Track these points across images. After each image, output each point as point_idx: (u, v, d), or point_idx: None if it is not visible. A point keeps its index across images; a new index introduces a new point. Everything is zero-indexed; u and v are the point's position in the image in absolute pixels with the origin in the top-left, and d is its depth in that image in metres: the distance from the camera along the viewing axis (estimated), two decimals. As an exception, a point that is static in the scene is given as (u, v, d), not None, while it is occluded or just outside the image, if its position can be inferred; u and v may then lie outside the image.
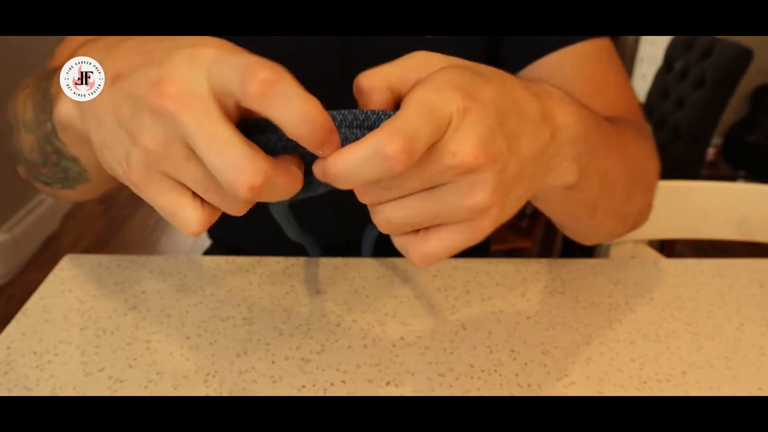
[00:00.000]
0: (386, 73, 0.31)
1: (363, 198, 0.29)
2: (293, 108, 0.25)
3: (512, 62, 0.58)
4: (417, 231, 0.31)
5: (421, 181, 0.28)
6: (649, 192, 0.54)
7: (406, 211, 0.29)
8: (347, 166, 0.26)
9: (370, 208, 0.30)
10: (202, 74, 0.26)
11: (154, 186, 0.29)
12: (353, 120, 0.28)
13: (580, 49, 0.56)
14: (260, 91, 0.25)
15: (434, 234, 0.30)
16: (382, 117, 0.28)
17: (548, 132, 0.33)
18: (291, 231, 0.48)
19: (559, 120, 0.34)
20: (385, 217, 0.30)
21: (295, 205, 0.33)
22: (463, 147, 0.27)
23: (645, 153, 0.52)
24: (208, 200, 0.29)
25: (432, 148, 0.27)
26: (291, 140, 0.26)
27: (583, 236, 0.53)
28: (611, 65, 0.58)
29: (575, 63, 0.56)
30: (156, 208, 0.29)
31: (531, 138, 0.31)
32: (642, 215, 0.55)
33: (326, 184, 0.32)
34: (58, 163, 0.44)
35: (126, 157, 0.29)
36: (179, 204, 0.28)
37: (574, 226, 0.51)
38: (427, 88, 0.27)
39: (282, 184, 0.27)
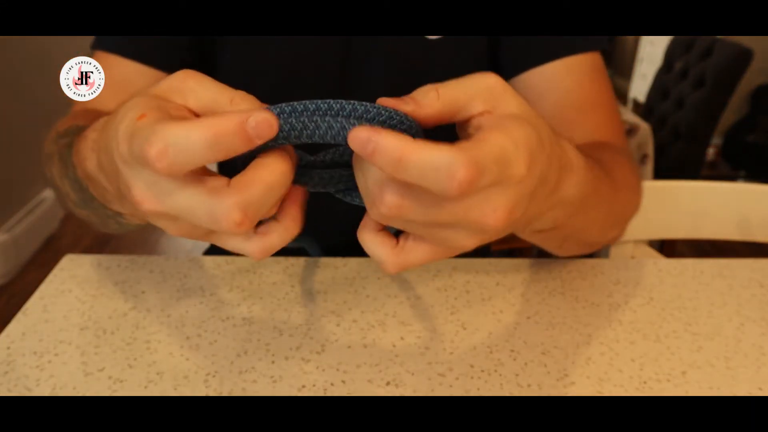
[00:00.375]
0: (450, 95, 0.29)
1: (386, 205, 0.27)
2: (194, 145, 0.25)
3: (510, 67, 0.59)
4: (396, 239, 0.31)
5: (452, 214, 0.27)
6: (624, 225, 0.54)
7: (427, 249, 0.30)
8: (416, 162, 0.25)
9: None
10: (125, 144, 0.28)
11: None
12: (364, 112, 0.28)
13: (577, 63, 0.56)
14: (157, 165, 0.25)
15: (418, 248, 0.30)
16: (394, 116, 0.28)
17: (552, 201, 0.34)
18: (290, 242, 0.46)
19: (563, 193, 0.35)
20: (413, 258, 0.30)
21: None
22: (499, 209, 0.27)
23: (630, 197, 0.53)
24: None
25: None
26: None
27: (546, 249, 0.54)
28: (604, 84, 0.59)
29: (575, 77, 0.57)
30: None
31: (539, 204, 0.32)
32: (611, 242, 0.55)
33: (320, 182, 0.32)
34: (106, 222, 0.48)
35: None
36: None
37: (537, 243, 0.51)
38: (509, 139, 0.27)
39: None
